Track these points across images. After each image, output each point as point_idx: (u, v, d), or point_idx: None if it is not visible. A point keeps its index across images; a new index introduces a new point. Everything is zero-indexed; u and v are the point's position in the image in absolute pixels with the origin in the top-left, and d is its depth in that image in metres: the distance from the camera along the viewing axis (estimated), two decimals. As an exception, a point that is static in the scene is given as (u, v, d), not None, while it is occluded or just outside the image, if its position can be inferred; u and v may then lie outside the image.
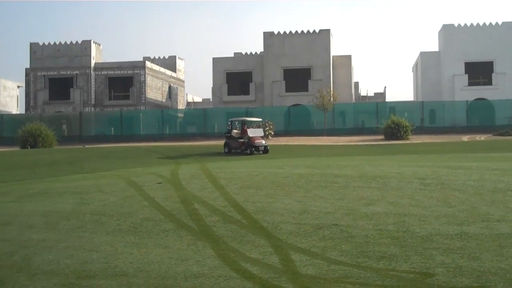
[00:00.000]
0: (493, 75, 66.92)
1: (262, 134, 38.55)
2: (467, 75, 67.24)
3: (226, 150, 37.87)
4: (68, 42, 70.25)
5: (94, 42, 70.58)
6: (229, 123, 39.44)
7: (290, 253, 10.52)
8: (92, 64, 69.63)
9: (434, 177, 18.82)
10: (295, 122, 61.25)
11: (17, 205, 16.48)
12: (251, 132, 37.57)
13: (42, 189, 19.66)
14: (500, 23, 68.11)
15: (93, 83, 69.37)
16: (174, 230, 12.70)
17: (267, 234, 12.09)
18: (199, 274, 9.39)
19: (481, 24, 68.15)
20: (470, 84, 67.16)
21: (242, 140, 37.36)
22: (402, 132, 50.24)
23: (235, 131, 38.85)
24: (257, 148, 36.54)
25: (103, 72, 69.84)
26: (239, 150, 37.13)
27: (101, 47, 72.59)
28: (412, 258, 9.86)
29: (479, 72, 67.41)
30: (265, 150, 36.68)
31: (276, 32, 68.88)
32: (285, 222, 12.93)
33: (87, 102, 68.89)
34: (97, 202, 16.26)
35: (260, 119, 42.78)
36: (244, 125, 38.82)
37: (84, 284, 9.07)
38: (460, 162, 24.58)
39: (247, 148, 36.59)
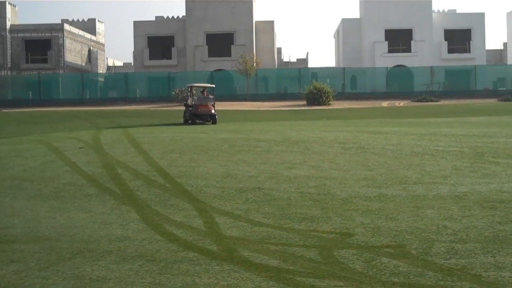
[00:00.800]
0: (412, 42, 68.38)
1: (211, 101, 33.78)
2: (387, 42, 68.49)
3: (183, 120, 34.31)
4: (-18, 3, 67.76)
5: (9, 3, 68.25)
6: (187, 88, 36.38)
7: (214, 216, 10.64)
8: (8, 26, 67.41)
9: (355, 142, 19.26)
10: (218, 87, 60.95)
11: None
12: (197, 99, 33.59)
13: (-42, 154, 19.12)
14: (419, -9, 69.45)
15: (9, 45, 67.22)
16: (97, 195, 12.63)
17: (191, 197, 12.17)
18: (123, 237, 9.40)
19: (401, -8, 69.32)
20: (390, 51, 68.46)
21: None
22: (324, 98, 50.92)
23: (190, 98, 34.62)
24: (200, 117, 32.37)
25: (19, 35, 67.73)
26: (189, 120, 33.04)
27: (16, 8, 70.28)
28: (332, 219, 10.14)
29: (399, 39, 68.75)
30: (213, 119, 32.30)
31: (199, -4, 68.25)
32: (209, 186, 13.04)
33: (3, 66, 66.79)
34: (16, 167, 15.95)
35: (212, 85, 38.89)
36: (191, 91, 35.03)
37: (6, 248, 8.94)
38: (379, 127, 25.19)
39: (190, 117, 32.57)
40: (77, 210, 11.38)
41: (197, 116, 32.35)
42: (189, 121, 32.37)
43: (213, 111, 32.47)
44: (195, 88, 35.58)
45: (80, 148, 19.11)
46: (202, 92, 35.69)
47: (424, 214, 10.34)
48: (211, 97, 34.71)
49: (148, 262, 8.12)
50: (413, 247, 8.44)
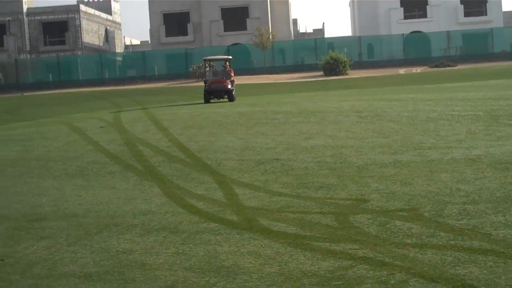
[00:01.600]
0: (428, 7, 67.91)
1: (227, 75, 29.98)
2: (402, 8, 68.08)
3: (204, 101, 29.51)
4: (-2, -13, 68.29)
5: (25, -14, 68.71)
6: (204, 63, 33.72)
7: (233, 187, 10.98)
8: (25, 10, 67.91)
9: (371, 110, 19.48)
10: (235, 62, 60.98)
11: (-40, 155, 16.50)
12: (212, 74, 30.64)
13: (-16, 138, 19.63)
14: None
15: (26, 29, 67.79)
16: (120, 172, 13.02)
17: (211, 171, 12.53)
18: (147, 211, 9.78)
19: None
20: (405, 17, 68.07)
21: None
22: (341, 68, 50.98)
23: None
24: (214, 93, 28.82)
25: (36, 18, 68.22)
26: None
27: (32, -9, 70.76)
28: (348, 187, 10.44)
29: (414, 5, 68.30)
30: (229, 95, 28.74)
31: (212, -29, 68.20)
32: (228, 159, 13.38)
33: (22, 49, 67.42)
34: (41, 148, 16.41)
35: (229, 57, 33.95)
36: (210, 66, 32.38)
37: (36, 226, 9.36)
38: (396, 95, 25.35)
39: (204, 95, 29.13)
40: (101, 187, 11.78)
41: (211, 93, 28.79)
42: (204, 100, 28.84)
43: (229, 86, 28.74)
44: (213, 62, 32.78)
45: (101, 127, 19.53)
46: (224, 66, 31.62)
47: (438, 178, 10.60)
48: (227, 70, 30.69)
49: (171, 233, 8.49)
50: (426, 209, 8.72)
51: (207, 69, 32.04)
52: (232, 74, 30.29)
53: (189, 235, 8.35)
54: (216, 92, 28.87)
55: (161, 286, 6.55)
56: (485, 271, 6.25)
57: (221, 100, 29.07)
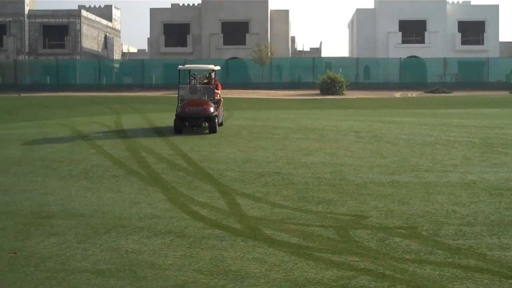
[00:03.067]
0: (426, 33, 68.60)
1: (210, 93, 20.35)
2: (401, 33, 68.73)
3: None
4: (1, -12, 68.56)
5: (28, -12, 69.00)
6: (183, 76, 22.52)
7: (235, 197, 11.30)
8: (26, 12, 68.17)
9: (369, 131, 19.86)
10: (233, 75, 61.73)
11: (-35, 151, 16.74)
12: (187, 91, 20.61)
13: (-14, 136, 19.87)
14: (434, -18, 69.64)
15: (27, 30, 68.01)
16: (124, 176, 13.32)
17: (213, 180, 12.84)
18: (153, 215, 10.09)
19: (416, -17, 69.54)
20: (403, 41, 68.70)
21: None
22: (337, 88, 51.37)
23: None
24: (191, 120, 19.62)
25: (37, 20, 68.46)
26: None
27: (35, -7, 71.05)
28: (348, 203, 10.78)
29: (413, 30, 68.97)
30: (212, 124, 19.56)
31: (214, -16, 68.75)
32: (230, 170, 13.70)
33: (21, 50, 67.59)
34: (45, 149, 16.68)
35: (215, 67, 21.97)
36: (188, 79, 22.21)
37: (45, 223, 9.65)
38: (392, 117, 25.75)
39: (174, 122, 19.86)
40: (106, 190, 12.08)
41: (184, 119, 19.56)
42: (174, 128, 19.65)
43: (211, 110, 19.41)
44: (194, 73, 22.15)
45: (103, 132, 19.80)
46: (208, 80, 21.53)
47: (435, 199, 10.96)
48: (212, 86, 20.59)
49: (177, 237, 8.81)
50: (424, 228, 9.08)
51: (183, 84, 21.18)
52: (219, 91, 21.07)
53: (195, 240, 8.66)
54: (192, 119, 19.38)
55: (172, 285, 6.86)
56: (481, 288, 6.61)
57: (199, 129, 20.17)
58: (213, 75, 21.42)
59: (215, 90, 20.52)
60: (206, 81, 21.43)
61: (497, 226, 9.15)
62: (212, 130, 19.36)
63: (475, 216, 9.76)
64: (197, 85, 20.83)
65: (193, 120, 19.48)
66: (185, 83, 21.61)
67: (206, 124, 19.71)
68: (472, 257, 7.73)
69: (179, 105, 19.66)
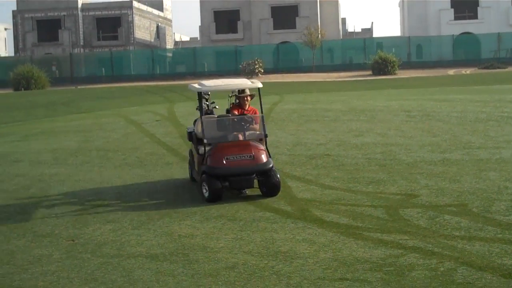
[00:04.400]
0: (479, 9, 67.28)
1: (253, 128, 11.04)
2: (453, 10, 67.56)
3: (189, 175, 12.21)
4: (54, -17, 69.84)
5: (79, -18, 70.21)
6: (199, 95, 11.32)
7: (286, 180, 11.42)
8: (80, 5, 69.40)
9: (420, 110, 19.72)
10: (284, 60, 61.73)
11: (25, 144, 17.29)
12: (212, 127, 11.05)
13: (45, 129, 20.44)
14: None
15: (81, 24, 69.27)
16: (177, 163, 13.59)
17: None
18: (206, 201, 10.29)
19: (467, -42, 68.17)
20: (456, 18, 67.53)
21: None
22: (389, 68, 50.96)
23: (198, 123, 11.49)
24: (233, 180, 10.45)
25: (90, 13, 69.66)
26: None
27: (87, -13, 72.25)
28: (398, 182, 10.80)
29: (465, 6, 67.72)
30: (270, 181, 10.41)
31: (263, -31, 68.70)
32: (280, 153, 13.83)
33: (76, 44, 68.91)
34: (100, 139, 17.09)
35: (257, 84, 11.02)
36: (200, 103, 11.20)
37: (101, 211, 9.95)
38: (445, 95, 25.45)
39: (209, 186, 10.31)
40: (160, 176, 12.35)
41: (223, 177, 10.43)
42: (205, 192, 10.41)
43: (264, 158, 10.59)
44: (207, 96, 12.64)
45: (157, 121, 20.15)
46: (239, 106, 11.45)
47: (486, 176, 10.89)
48: (249, 117, 11.12)
49: (229, 221, 8.99)
50: (475, 205, 9.05)
51: (201, 115, 11.05)
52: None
53: (246, 223, 8.83)
54: (237, 177, 10.51)
55: (223, 267, 7.04)
56: (531, 262, 6.59)
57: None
58: (247, 91, 11.35)
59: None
60: (234, 102, 11.61)
61: (549, 201, 9.07)
62: (272, 191, 10.45)
63: (527, 191, 9.68)
64: (225, 114, 11.35)
65: (239, 180, 10.47)
66: (208, 113, 12.04)
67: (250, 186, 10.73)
68: (522, 232, 7.70)
69: (208, 155, 10.54)
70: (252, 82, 11.08)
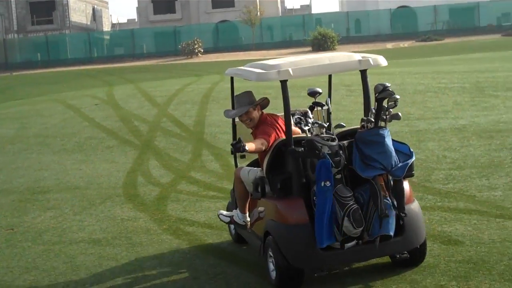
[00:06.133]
0: (415, -18, 68.14)
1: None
2: (390, -17, 68.28)
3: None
4: (-16, -33, 67.79)
5: (11, -35, 68.31)
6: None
7: (229, 159, 11.34)
8: (11, -11, 67.59)
9: (360, 84, 19.75)
10: (224, 39, 61.43)
11: (-41, 133, 16.81)
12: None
13: (-20, 117, 19.92)
14: None
15: (13, 8, 67.49)
16: (118, 146, 13.40)
17: (206, 144, 12.93)
18: (147, 183, 10.19)
19: None
20: (393, -8, 68.25)
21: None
22: (329, 43, 51.23)
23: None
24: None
25: (23, -3, 67.94)
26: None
27: (18, -30, 70.36)
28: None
29: (402, -20, 68.46)
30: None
31: None
32: (222, 133, 13.77)
33: (9, 29, 67.13)
34: (38, 125, 16.73)
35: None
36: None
37: (41, 198, 9.75)
38: (383, 68, 25.67)
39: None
40: (101, 161, 12.16)
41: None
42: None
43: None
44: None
45: (95, 104, 19.83)
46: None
47: (426, 146, 11.05)
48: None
49: (173, 202, 8.92)
50: (415, 176, 9.14)
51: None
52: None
53: (190, 203, 8.77)
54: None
55: (167, 248, 6.98)
56: (469, 228, 6.72)
57: None
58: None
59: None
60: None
61: (486, 167, 9.25)
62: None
63: (465, 159, 9.86)
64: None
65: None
66: None
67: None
68: (461, 199, 7.83)
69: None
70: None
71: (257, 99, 6.03)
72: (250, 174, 5.99)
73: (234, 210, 6.28)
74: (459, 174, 9.03)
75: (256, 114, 5.94)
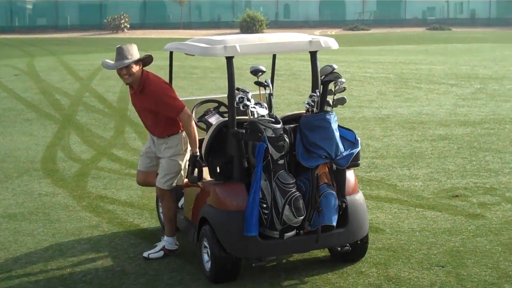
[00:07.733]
0: (344, -29, 68.79)
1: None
2: (319, -30, 68.71)
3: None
4: None
5: None
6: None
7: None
8: None
9: (287, 69, 19.96)
10: (151, 15, 60.58)
11: None
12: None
13: None
14: None
15: None
16: (37, 119, 13.00)
17: (129, 121, 12.69)
18: (67, 158, 9.92)
19: None
20: (322, -21, 68.75)
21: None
22: (257, 26, 51.20)
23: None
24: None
25: None
26: None
27: None
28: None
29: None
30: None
31: None
32: (147, 110, 13.53)
33: None
34: (-47, 94, 16.08)
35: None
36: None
37: (-46, 169, 9.36)
38: (307, 55, 25.88)
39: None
40: (19, 134, 11.77)
41: None
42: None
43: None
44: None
45: (15, 75, 19.21)
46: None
47: (349, 134, 11.14)
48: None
49: (93, 179, 8.70)
50: (338, 162, 9.23)
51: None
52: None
53: (111, 181, 8.57)
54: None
55: (86, 226, 6.80)
56: (390, 216, 6.82)
57: None
58: None
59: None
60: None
61: (408, 158, 9.41)
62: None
63: (388, 149, 10.01)
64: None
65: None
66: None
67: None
68: (382, 188, 7.94)
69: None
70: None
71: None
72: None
73: (162, 238, 5.95)
74: (381, 163, 9.16)
75: (137, 69, 5.68)
